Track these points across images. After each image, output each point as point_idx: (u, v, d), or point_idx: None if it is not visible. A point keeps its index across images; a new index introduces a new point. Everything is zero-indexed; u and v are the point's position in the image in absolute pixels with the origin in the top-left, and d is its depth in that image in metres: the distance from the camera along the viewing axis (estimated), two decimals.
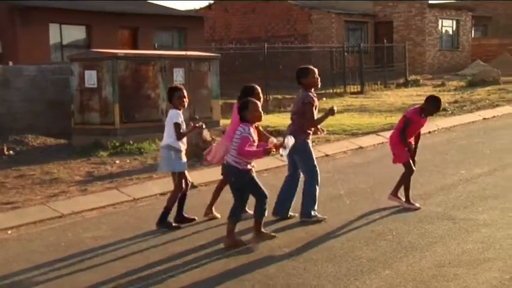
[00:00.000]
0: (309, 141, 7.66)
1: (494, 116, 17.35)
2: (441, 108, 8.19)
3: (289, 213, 7.72)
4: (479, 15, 44.62)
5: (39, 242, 7.19)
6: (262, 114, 6.63)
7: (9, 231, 7.65)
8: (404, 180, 8.05)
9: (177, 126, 7.48)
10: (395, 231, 6.94)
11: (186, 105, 7.69)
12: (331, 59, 26.38)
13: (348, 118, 17.02)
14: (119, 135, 12.89)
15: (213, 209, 7.97)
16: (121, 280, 5.83)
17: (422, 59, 34.89)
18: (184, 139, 7.68)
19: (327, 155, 12.20)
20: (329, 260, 6.08)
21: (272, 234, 6.87)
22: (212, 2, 37.66)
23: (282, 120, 16.94)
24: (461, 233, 6.80)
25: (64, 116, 13.83)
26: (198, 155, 11.73)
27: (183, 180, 7.72)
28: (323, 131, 8.07)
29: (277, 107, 20.07)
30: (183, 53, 15.66)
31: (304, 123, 7.52)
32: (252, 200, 6.81)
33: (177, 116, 7.53)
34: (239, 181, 6.71)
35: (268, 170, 10.94)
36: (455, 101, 19.99)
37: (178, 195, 7.69)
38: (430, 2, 35.58)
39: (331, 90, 24.07)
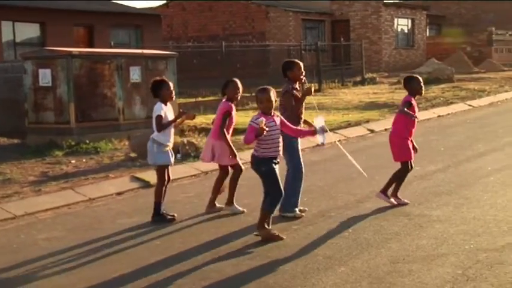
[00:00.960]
0: (297, 138, 7.62)
1: (448, 114, 17.63)
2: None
3: (299, 207, 7.66)
4: (434, 14, 45.31)
5: None
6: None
7: None
8: (397, 178, 8.03)
9: (157, 118, 7.52)
10: (352, 229, 6.99)
11: (173, 98, 7.83)
12: (288, 57, 26.45)
13: (306, 116, 17.04)
14: (74, 134, 12.73)
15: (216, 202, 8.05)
16: (76, 283, 5.75)
17: (378, 57, 35.27)
18: (172, 134, 7.70)
19: None
20: (285, 258, 6.09)
21: (277, 234, 6.67)
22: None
23: (240, 118, 16.90)
24: (416, 229, 6.89)
25: (18, 115, 13.61)
26: None
27: (165, 174, 7.75)
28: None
29: (235, 106, 20.02)
30: (140, 51, 15.51)
31: (289, 115, 7.46)
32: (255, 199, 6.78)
33: (160, 109, 7.57)
34: (255, 168, 6.71)
35: None
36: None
37: (163, 188, 7.72)
38: (385, 1, 35.95)
39: None
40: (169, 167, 7.85)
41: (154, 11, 34.64)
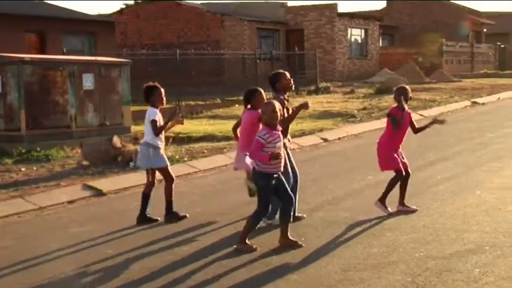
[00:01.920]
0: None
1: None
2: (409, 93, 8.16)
3: (297, 214, 7.62)
4: (386, 25, 46.05)
5: None
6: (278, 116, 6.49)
7: None
8: (393, 187, 8.02)
9: (154, 123, 7.74)
10: (304, 237, 7.04)
11: (164, 104, 8.04)
12: (243, 65, 26.59)
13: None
14: (25, 141, 12.54)
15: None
16: None
17: (332, 66, 35.62)
18: (162, 137, 7.94)
19: None
20: (240, 265, 6.10)
21: (254, 247, 6.59)
22: (124, 6, 37.19)
23: (194, 126, 16.93)
24: (368, 237, 6.97)
25: None
26: (107, 162, 11.56)
27: (170, 173, 7.98)
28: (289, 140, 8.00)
29: (189, 113, 20.01)
30: (93, 58, 15.37)
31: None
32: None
33: (154, 113, 7.81)
34: (255, 180, 6.71)
35: (180, 177, 10.88)
36: (364, 108, 20.51)
37: (173, 186, 7.95)
38: (339, 11, 36.36)
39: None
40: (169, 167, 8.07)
41: (108, 18, 34.35)
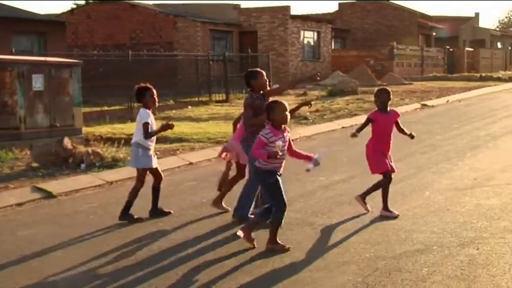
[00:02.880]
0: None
1: (352, 125, 18.06)
2: (389, 94, 8.24)
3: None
4: (339, 28, 46.54)
5: None
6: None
7: None
8: (378, 188, 8.04)
9: (145, 125, 7.80)
10: (257, 239, 7.04)
11: (156, 104, 8.07)
12: (196, 67, 26.50)
13: (213, 126, 17.14)
14: None
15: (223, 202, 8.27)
16: None
17: (285, 68, 35.81)
18: (154, 138, 8.04)
19: (191, 163, 12.21)
20: (192, 268, 6.08)
21: (287, 246, 6.59)
22: (75, 6, 36.71)
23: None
24: (319, 238, 7.03)
25: None
26: (57, 164, 11.40)
27: (145, 177, 8.04)
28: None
29: None
30: (43, 58, 15.12)
31: (253, 128, 7.46)
32: None
33: (146, 115, 7.85)
34: (260, 180, 6.71)
35: (132, 179, 10.79)
36: (317, 110, 20.66)
37: (139, 190, 8.00)
38: (292, 13, 36.56)
39: (197, 99, 24.16)
40: (158, 167, 8.18)
41: (59, 18, 33.85)
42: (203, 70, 26.25)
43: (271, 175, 6.59)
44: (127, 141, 13.97)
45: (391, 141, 8.20)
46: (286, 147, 6.59)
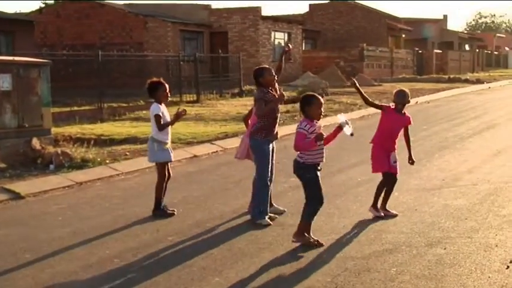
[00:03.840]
0: (269, 141, 7.74)
1: (323, 126, 18.16)
2: (406, 98, 8.14)
3: (270, 214, 7.78)
4: (309, 29, 46.73)
5: None
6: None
7: None
8: (382, 190, 8.03)
9: (157, 117, 7.94)
10: (227, 239, 7.07)
11: (168, 99, 8.27)
12: (167, 67, 26.39)
13: (183, 127, 17.08)
14: None
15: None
16: None
17: None
18: (170, 132, 8.19)
19: None
20: (160, 268, 6.07)
21: (317, 241, 6.68)
22: (43, 5, 36.31)
23: (117, 128, 16.71)
24: (289, 238, 7.04)
25: None
26: (26, 165, 11.29)
27: (165, 170, 8.19)
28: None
29: (112, 116, 19.73)
30: (11, 58, 14.90)
31: (265, 122, 7.65)
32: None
33: (157, 109, 8.00)
34: (299, 174, 6.75)
35: (101, 179, 10.74)
36: (287, 111, 20.70)
37: (164, 184, 8.14)
38: (263, 14, 36.62)
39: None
40: (169, 164, 8.30)
41: (27, 17, 33.45)
42: (174, 70, 26.15)
43: (309, 170, 6.68)
44: (97, 141, 13.92)
45: (396, 143, 8.18)
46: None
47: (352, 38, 48.17)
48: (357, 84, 8.19)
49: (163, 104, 8.15)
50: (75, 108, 20.07)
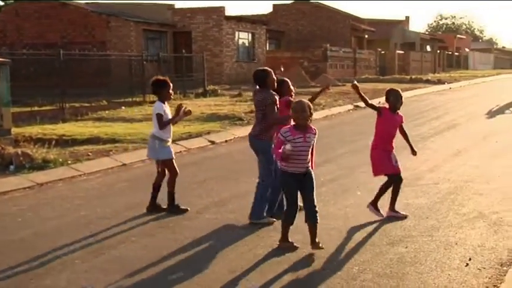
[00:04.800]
0: (272, 143, 7.58)
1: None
2: (401, 98, 8.23)
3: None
4: (273, 29, 46.82)
5: None
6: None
7: None
8: (385, 191, 8.01)
9: (159, 116, 8.11)
10: (191, 239, 7.05)
11: (171, 98, 8.46)
12: (130, 67, 26.20)
13: (147, 127, 16.95)
14: None
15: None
16: None
17: (220, 69, 35.78)
18: (171, 130, 8.33)
19: (124, 165, 12.07)
20: (119, 270, 6.03)
21: (295, 245, 6.60)
22: (2, 4, 35.75)
23: (79, 128, 16.53)
24: (253, 238, 7.07)
25: None
26: None
27: (175, 165, 8.28)
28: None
29: (74, 116, 19.51)
30: None
31: (269, 123, 7.57)
32: None
33: (161, 107, 8.18)
34: (279, 180, 6.75)
35: (63, 180, 10.62)
36: (251, 111, 20.64)
37: (176, 178, 8.26)
38: (226, 14, 36.58)
39: (130, 99, 23.87)
40: (159, 162, 8.38)
41: None
42: (137, 70, 25.97)
43: (283, 177, 6.59)
44: (58, 142, 13.75)
45: (394, 142, 8.20)
46: (305, 146, 6.43)
47: (316, 39, 48.40)
48: (358, 87, 8.20)
49: (166, 103, 8.29)
50: (36, 108, 19.79)
